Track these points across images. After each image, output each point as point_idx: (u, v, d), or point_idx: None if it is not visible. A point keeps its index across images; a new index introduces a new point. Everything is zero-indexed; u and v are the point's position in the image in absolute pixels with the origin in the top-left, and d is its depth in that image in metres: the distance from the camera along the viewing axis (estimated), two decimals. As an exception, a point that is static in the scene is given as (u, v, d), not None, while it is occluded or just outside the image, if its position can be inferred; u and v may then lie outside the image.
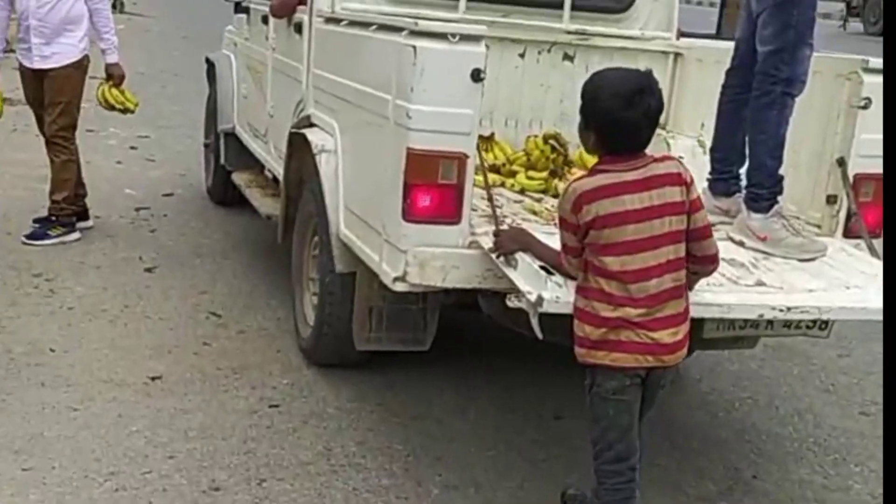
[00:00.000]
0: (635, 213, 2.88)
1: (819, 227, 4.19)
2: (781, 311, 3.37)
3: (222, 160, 6.62)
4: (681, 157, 4.91)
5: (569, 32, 5.29)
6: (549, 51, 5.34)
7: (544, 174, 4.89)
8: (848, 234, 4.09)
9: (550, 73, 5.35)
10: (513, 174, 4.93)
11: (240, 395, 4.16)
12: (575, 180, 3.04)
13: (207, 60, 7.17)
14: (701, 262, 3.05)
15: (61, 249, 5.80)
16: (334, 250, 4.18)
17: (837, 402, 4.73)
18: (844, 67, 4.13)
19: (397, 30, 3.68)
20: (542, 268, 3.16)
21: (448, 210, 3.49)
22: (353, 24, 4.36)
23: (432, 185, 3.47)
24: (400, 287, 3.52)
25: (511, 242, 3.31)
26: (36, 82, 5.94)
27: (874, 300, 3.40)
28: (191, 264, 5.75)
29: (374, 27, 4.02)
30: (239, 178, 6.29)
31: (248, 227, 6.50)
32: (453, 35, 3.45)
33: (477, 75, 3.40)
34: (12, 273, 5.38)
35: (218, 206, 6.97)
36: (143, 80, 10.61)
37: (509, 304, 3.25)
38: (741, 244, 3.91)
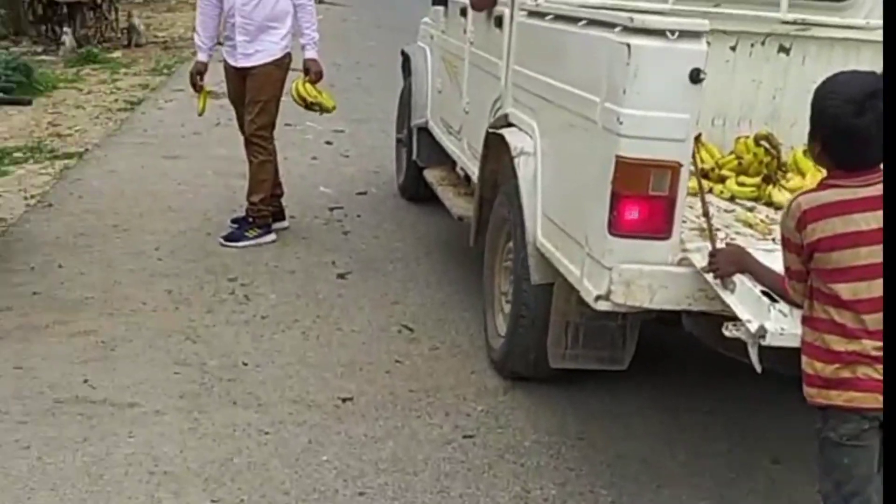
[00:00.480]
0: (870, 234, 2.45)
1: None
2: None
3: (414, 156, 6.32)
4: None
5: (786, 23, 4.66)
6: (762, 43, 4.73)
7: (757, 180, 4.33)
8: None
9: (763, 66, 4.75)
10: (722, 180, 4.39)
11: (433, 422, 3.79)
12: (801, 194, 2.60)
13: (403, 53, 6.86)
14: None
15: (257, 252, 5.60)
16: (530, 259, 3.84)
17: None
18: None
19: (609, 26, 3.29)
20: (764, 293, 2.72)
21: (658, 224, 3.11)
22: (559, 18, 3.94)
23: (642, 197, 3.10)
24: (603, 306, 3.17)
25: (729, 263, 2.87)
26: (238, 80, 5.74)
27: None
28: (383, 270, 5.44)
29: (583, 22, 3.61)
30: (431, 175, 5.98)
31: (441, 229, 6.15)
32: (672, 31, 3.02)
33: (696, 76, 3.00)
34: (210, 277, 5.20)
35: (410, 207, 6.65)
36: (339, 71, 10.48)
37: (726, 333, 2.79)
38: None
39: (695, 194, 3.35)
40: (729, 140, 4.69)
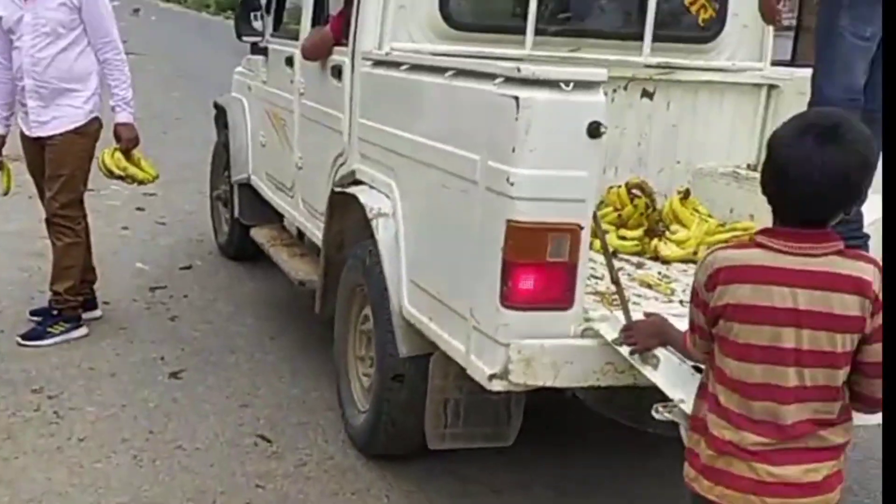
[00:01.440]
0: (783, 312, 2.07)
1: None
2: None
3: (237, 213, 5.78)
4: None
5: (649, 66, 4.37)
6: (625, 88, 4.42)
7: (639, 233, 3.99)
8: None
9: (626, 112, 4.45)
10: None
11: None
12: (721, 248, 2.27)
13: (216, 105, 6.21)
14: (862, 401, 2.21)
15: (66, 350, 4.62)
16: (396, 330, 3.45)
17: None
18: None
19: (488, 76, 2.89)
20: (696, 368, 2.43)
21: (557, 293, 2.79)
22: (416, 68, 3.51)
23: (539, 264, 2.76)
24: (499, 386, 2.81)
25: (649, 336, 2.56)
26: (35, 151, 4.77)
27: None
28: (224, 364, 4.57)
29: (450, 73, 3.19)
30: (260, 235, 5.44)
31: (284, 305, 5.38)
32: (566, 82, 2.67)
33: (595, 130, 2.67)
34: (6, 390, 4.18)
35: (243, 278, 5.84)
36: (142, 125, 9.39)
37: (657, 416, 2.43)
38: None
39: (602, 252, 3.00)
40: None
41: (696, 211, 4.09)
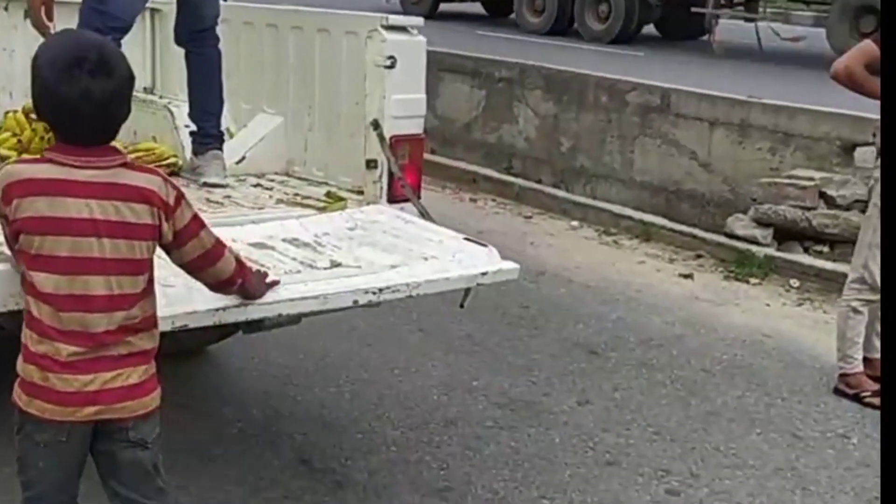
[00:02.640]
0: (81, 223, 2.13)
1: (362, 192, 3.89)
2: (374, 293, 2.99)
3: None
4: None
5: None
6: (6, 8, 4.35)
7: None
8: (393, 198, 3.82)
9: (12, 34, 4.37)
10: (1, 159, 3.92)
11: None
12: (11, 163, 2.28)
13: None
14: (217, 288, 2.50)
15: None
16: None
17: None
18: (363, 25, 3.79)
19: None
20: None
21: None
22: None
23: None
24: None
25: None
26: None
27: (453, 269, 3.17)
28: None
29: None
30: None
31: None
32: None
33: None
34: None
35: None
36: None
37: None
38: None
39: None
40: (-7, 114, 4.17)
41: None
